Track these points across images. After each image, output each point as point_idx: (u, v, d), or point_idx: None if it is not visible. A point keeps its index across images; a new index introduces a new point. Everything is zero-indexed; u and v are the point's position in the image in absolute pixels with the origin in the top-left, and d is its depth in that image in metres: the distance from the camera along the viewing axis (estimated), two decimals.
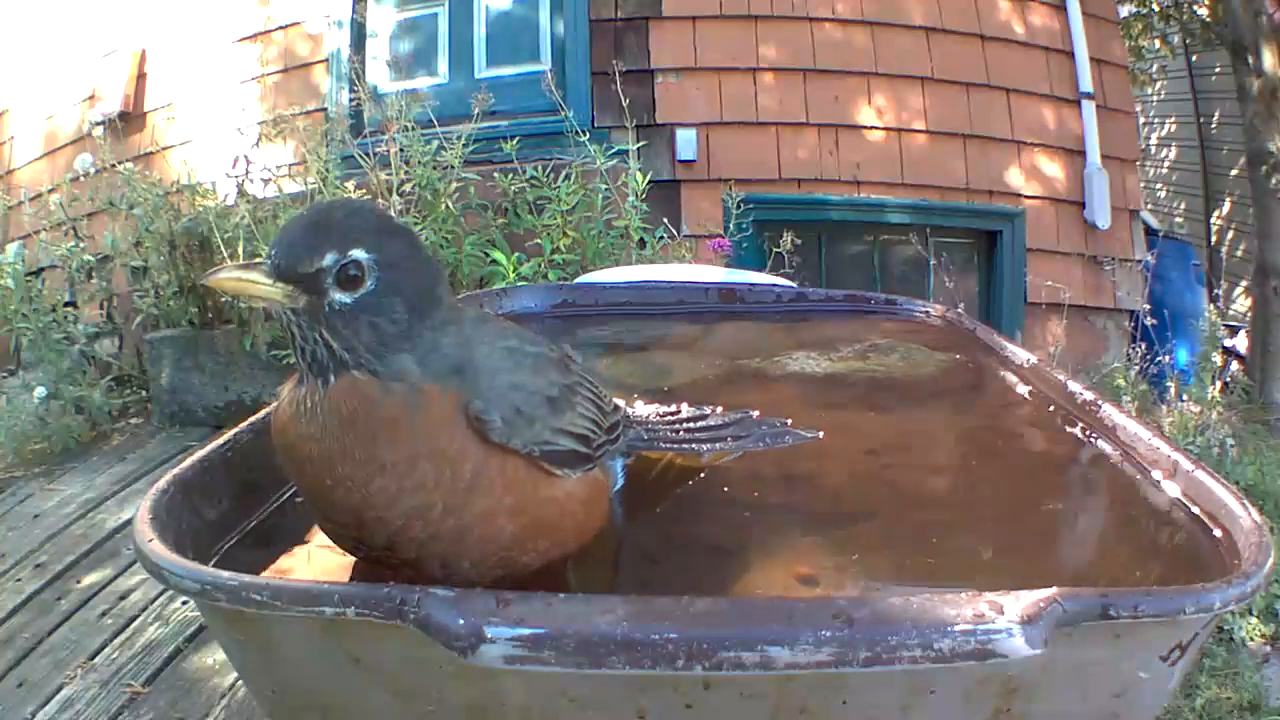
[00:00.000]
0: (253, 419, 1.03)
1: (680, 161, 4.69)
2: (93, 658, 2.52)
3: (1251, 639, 2.77)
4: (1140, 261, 4.94)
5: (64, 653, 2.54)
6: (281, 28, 5.03)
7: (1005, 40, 4.93)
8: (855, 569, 0.91)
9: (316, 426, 0.78)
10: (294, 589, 0.70)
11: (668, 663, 0.63)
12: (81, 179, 4.58)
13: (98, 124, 5.03)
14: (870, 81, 4.83)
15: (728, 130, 4.76)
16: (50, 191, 4.70)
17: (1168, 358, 4.31)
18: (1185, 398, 3.99)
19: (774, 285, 2.04)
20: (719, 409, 1.14)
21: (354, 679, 0.73)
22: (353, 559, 0.87)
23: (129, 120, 5.17)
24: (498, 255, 4.01)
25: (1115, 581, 0.88)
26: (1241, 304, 6.98)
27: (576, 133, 4.19)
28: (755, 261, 4.31)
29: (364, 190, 3.94)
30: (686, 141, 4.69)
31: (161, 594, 2.79)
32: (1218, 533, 0.87)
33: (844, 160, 4.80)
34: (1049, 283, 4.59)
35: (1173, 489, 0.98)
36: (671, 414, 1.13)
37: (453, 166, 4.06)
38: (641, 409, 1.14)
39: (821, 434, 1.13)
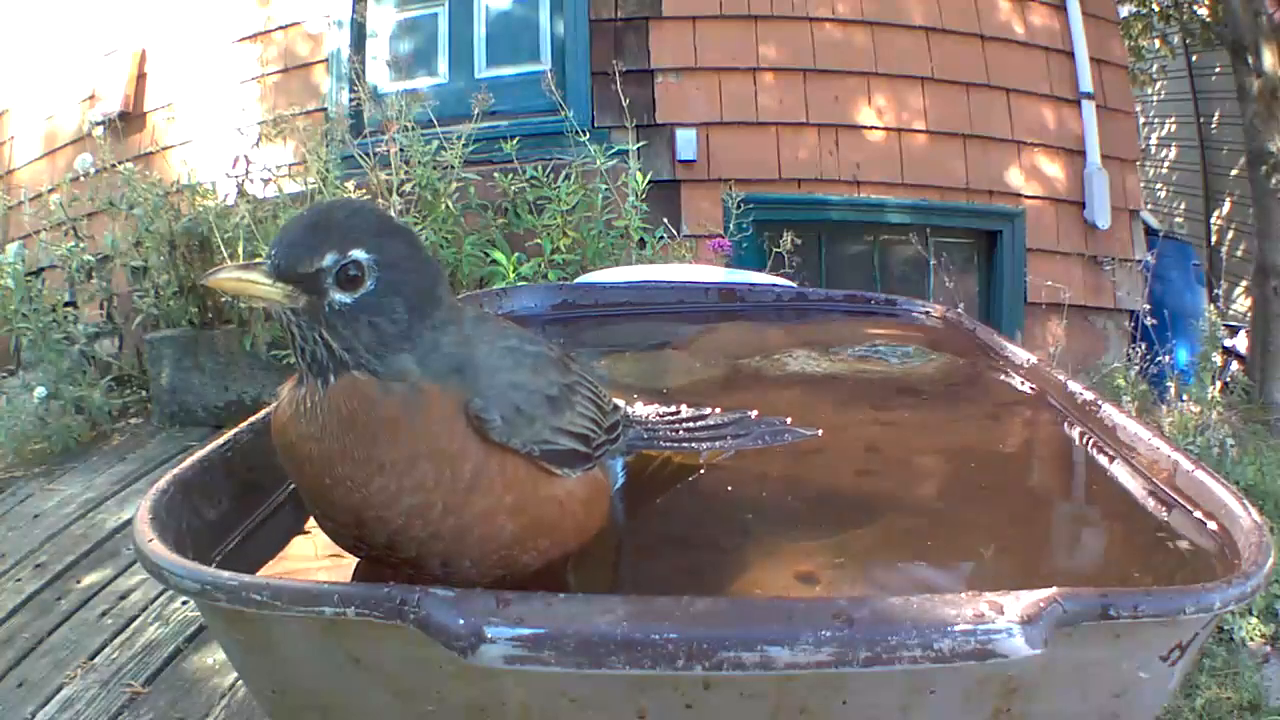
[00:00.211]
0: (253, 419, 1.03)
1: (680, 161, 4.69)
2: (93, 658, 2.52)
3: (1251, 639, 2.77)
4: (1140, 261, 4.94)
5: (64, 653, 2.54)
6: (281, 28, 5.03)
7: (1005, 40, 4.93)
8: (855, 569, 0.91)
9: (316, 426, 0.78)
10: (294, 589, 0.70)
11: (668, 663, 0.63)
12: (81, 179, 4.58)
13: (98, 124, 5.03)
14: (870, 81, 4.83)
15: (728, 130, 4.76)
16: (50, 191, 4.70)
17: (1168, 358, 4.31)
18: (1185, 398, 3.99)
19: (774, 285, 2.04)
20: (718, 409, 1.14)
21: (354, 679, 0.73)
22: (353, 559, 0.87)
23: (129, 120, 5.17)
24: (498, 255, 4.01)
25: (1115, 581, 0.88)
26: (1241, 304, 6.98)
27: (576, 133, 4.19)
28: (755, 261, 4.31)
29: (364, 190, 3.95)
30: (686, 141, 4.69)
31: (161, 594, 2.79)
32: (1218, 533, 0.87)
33: (844, 160, 4.80)
34: (1049, 283, 4.59)
35: (1173, 489, 0.98)
36: (671, 414, 1.13)
37: (453, 166, 4.06)
38: (641, 409, 1.14)
39: (820, 432, 1.13)
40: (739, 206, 4.32)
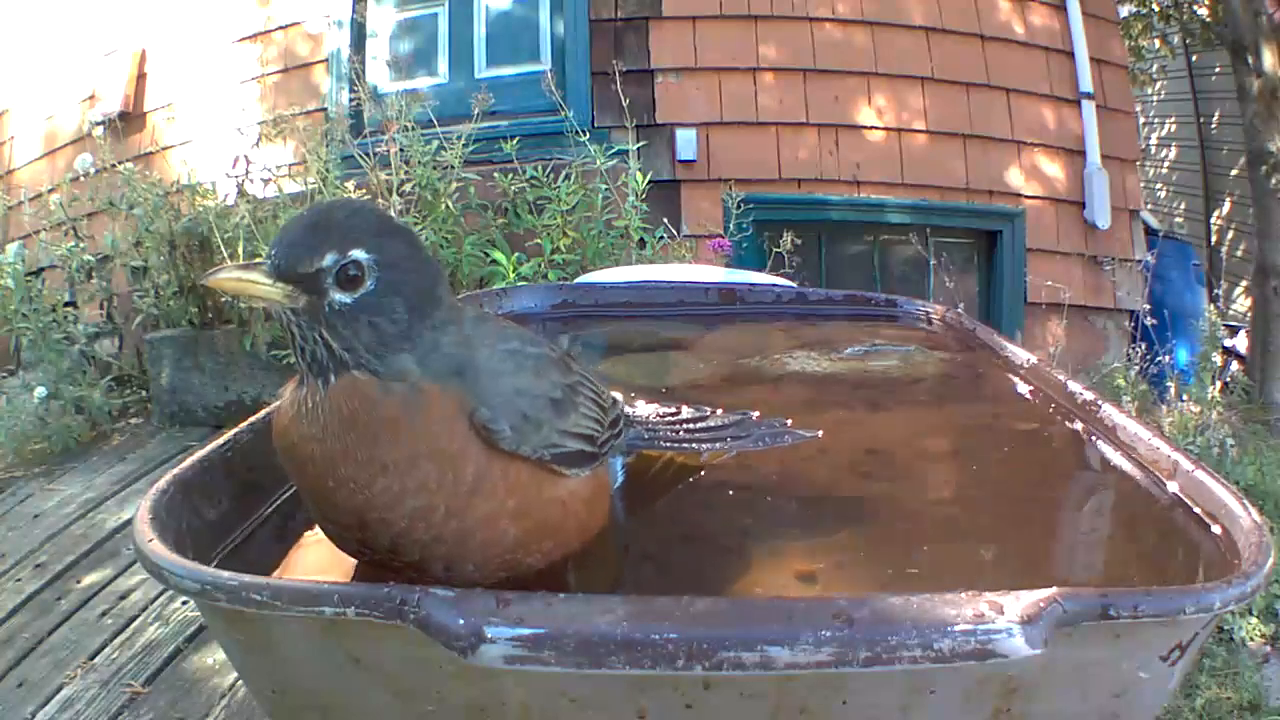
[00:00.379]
0: (253, 419, 1.03)
1: (680, 161, 4.69)
2: (93, 658, 2.52)
3: (1251, 639, 2.77)
4: (1140, 261, 4.94)
5: (64, 653, 2.54)
6: (281, 28, 5.03)
7: (1005, 40, 4.93)
8: (855, 569, 0.91)
9: (318, 427, 0.77)
10: (294, 589, 0.70)
11: (668, 663, 0.63)
12: (81, 179, 4.58)
13: (98, 124, 5.03)
14: (870, 81, 4.82)
15: (728, 130, 4.76)
16: (50, 191, 4.70)
17: (1168, 358, 4.31)
18: (1185, 398, 3.99)
19: (774, 285, 2.04)
20: (719, 410, 1.14)
21: (354, 679, 0.73)
22: (353, 559, 0.87)
23: (129, 120, 5.17)
24: (498, 255, 4.01)
25: (1115, 581, 0.88)
26: (1241, 304, 6.98)
27: (576, 133, 4.19)
28: (755, 261, 4.31)
29: (364, 190, 3.95)
30: (686, 141, 4.69)
31: (161, 594, 2.78)
32: (1218, 533, 0.87)
33: (844, 160, 4.80)
34: (1049, 283, 4.59)
35: (1173, 489, 0.98)
36: (671, 414, 1.14)
37: (453, 166, 4.06)
38: (642, 408, 1.14)
39: (821, 433, 1.13)
40: (739, 206, 4.32)
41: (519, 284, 3.69)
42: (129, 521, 3.06)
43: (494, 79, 4.82)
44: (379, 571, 0.82)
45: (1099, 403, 1.18)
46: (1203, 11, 6.41)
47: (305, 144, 4.08)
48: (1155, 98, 9.35)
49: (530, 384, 0.85)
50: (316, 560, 0.92)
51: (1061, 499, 1.11)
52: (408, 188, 3.99)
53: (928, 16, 4.85)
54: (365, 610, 0.67)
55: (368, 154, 4.03)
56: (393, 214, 3.81)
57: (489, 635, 0.64)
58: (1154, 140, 9.51)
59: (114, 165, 4.36)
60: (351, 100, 4.75)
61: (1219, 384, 4.26)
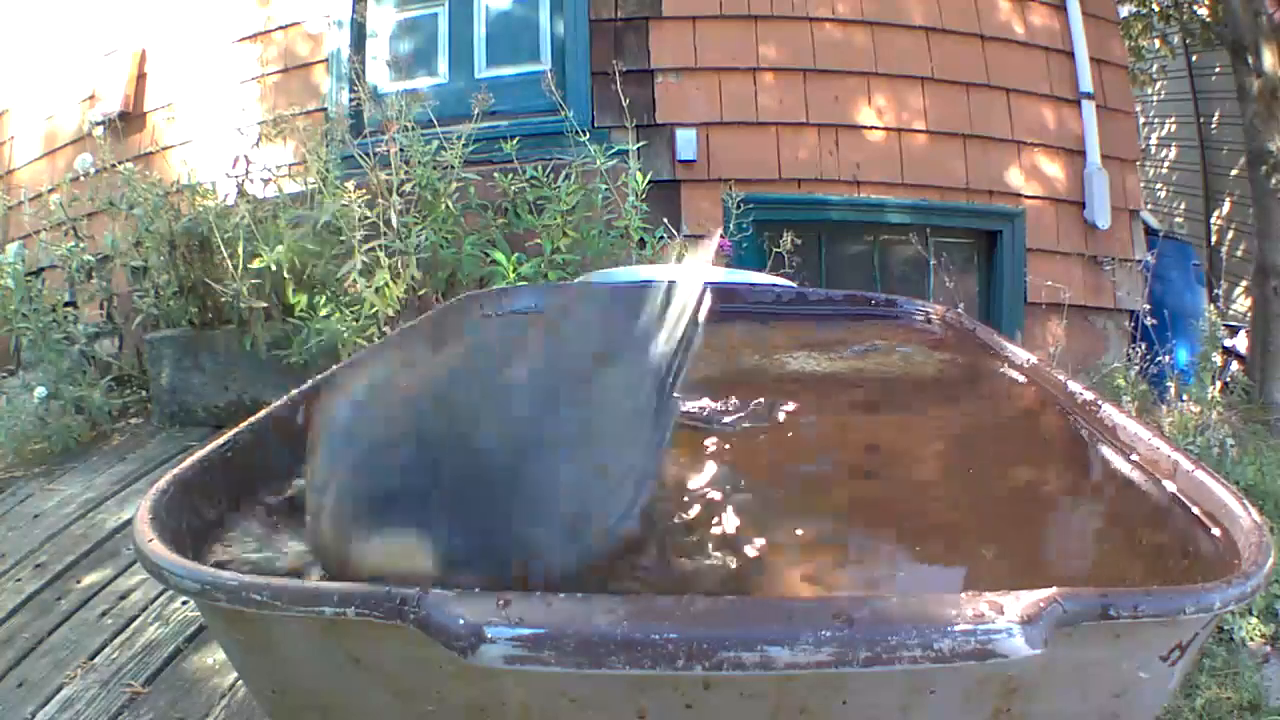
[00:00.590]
0: (253, 419, 1.04)
1: (680, 161, 4.69)
2: (93, 658, 2.51)
3: (1251, 639, 2.77)
4: (1140, 261, 4.93)
5: (64, 653, 2.54)
6: (281, 28, 5.02)
7: (1005, 40, 4.92)
8: (855, 569, 0.91)
9: None
10: (294, 589, 0.70)
11: (668, 663, 0.63)
12: (81, 179, 4.57)
13: (98, 124, 5.02)
14: (870, 81, 4.82)
15: (728, 130, 4.76)
16: (50, 191, 4.70)
17: (1168, 358, 4.30)
18: (1185, 398, 3.99)
19: (774, 285, 2.04)
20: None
21: (354, 679, 0.73)
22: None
23: (129, 120, 5.16)
24: (498, 255, 4.01)
25: (1115, 581, 0.88)
26: (1241, 304, 6.97)
27: (576, 133, 4.19)
28: (755, 261, 4.31)
29: (364, 190, 3.94)
30: (686, 141, 4.68)
31: (161, 594, 2.78)
32: (1218, 533, 0.87)
33: (844, 160, 4.80)
34: (1049, 283, 4.58)
35: (1173, 489, 0.98)
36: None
37: (453, 166, 4.05)
38: None
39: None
40: (739, 206, 4.32)
41: (519, 284, 3.69)
42: (129, 521, 3.06)
43: (494, 79, 4.82)
44: None
45: (1099, 403, 1.18)
46: (1203, 11, 6.41)
47: (305, 144, 4.08)
48: (1155, 98, 9.34)
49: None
50: (317, 560, 0.92)
51: (1061, 499, 1.11)
52: (408, 188, 3.99)
53: (928, 16, 4.85)
54: (365, 610, 0.67)
55: (368, 154, 4.03)
56: (393, 215, 3.82)
57: (489, 635, 0.64)
58: (1154, 140, 9.51)
59: (114, 165, 4.35)
60: (351, 100, 4.75)
61: (1219, 384, 4.26)
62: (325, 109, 4.78)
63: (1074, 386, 1.25)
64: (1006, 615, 0.64)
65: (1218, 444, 3.56)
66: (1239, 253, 7.51)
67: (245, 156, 4.14)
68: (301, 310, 3.93)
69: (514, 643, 0.64)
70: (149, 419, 4.42)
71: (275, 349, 4.04)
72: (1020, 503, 1.08)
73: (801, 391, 1.44)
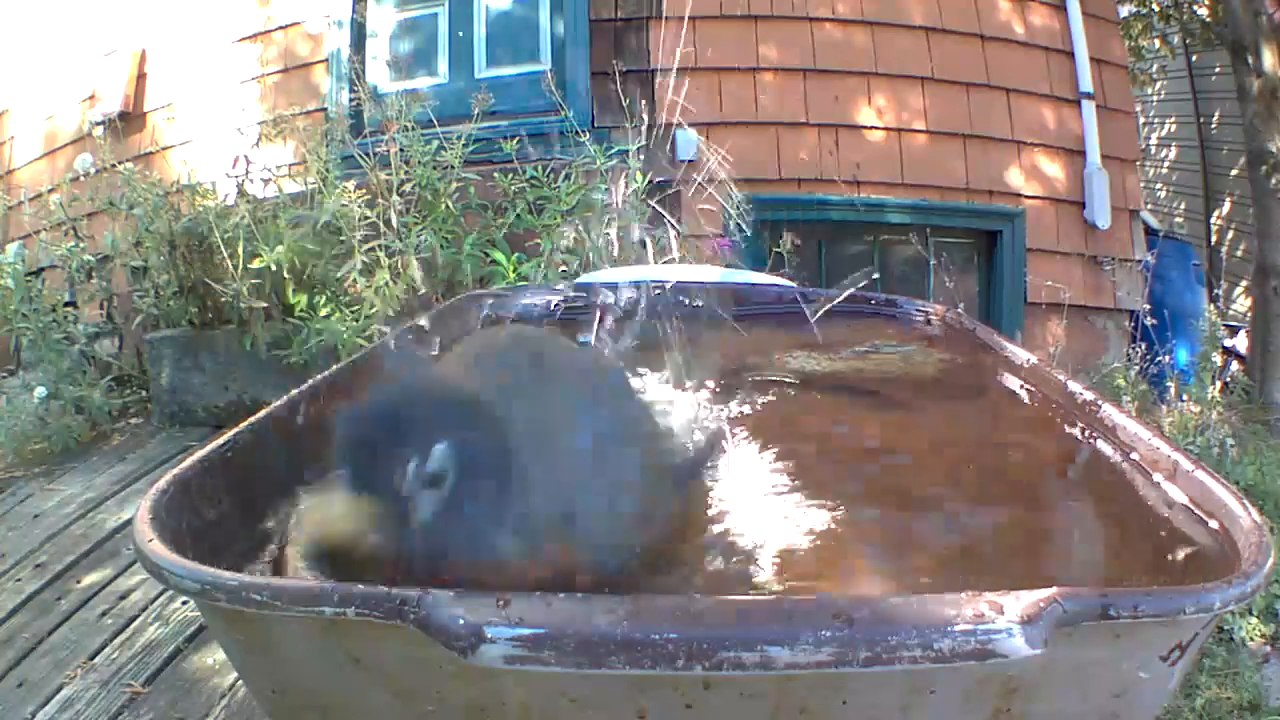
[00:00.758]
0: (253, 419, 1.04)
1: (680, 161, 4.69)
2: (93, 658, 2.51)
3: (1251, 639, 2.77)
4: (1140, 261, 4.93)
5: (64, 653, 2.54)
6: (281, 28, 5.02)
7: (1005, 40, 4.92)
8: (855, 569, 0.91)
9: None
10: (294, 589, 0.70)
11: (668, 663, 0.63)
12: (81, 179, 4.57)
13: (98, 124, 5.02)
14: (870, 81, 4.82)
15: (728, 130, 4.76)
16: (50, 191, 4.69)
17: (1168, 358, 4.30)
18: (1185, 398, 3.99)
19: (774, 285, 2.04)
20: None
21: (354, 679, 0.73)
22: (353, 559, 0.87)
23: (129, 120, 5.16)
24: (498, 255, 4.01)
25: (1115, 581, 0.88)
26: (1241, 304, 6.97)
27: (576, 133, 4.19)
28: (755, 262, 4.31)
29: (364, 190, 3.94)
30: (686, 141, 4.68)
31: (161, 594, 2.78)
32: (1218, 533, 0.87)
33: (844, 160, 4.80)
34: (1049, 283, 4.58)
35: (1173, 489, 0.98)
36: None
37: (453, 166, 4.05)
38: None
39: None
40: (739, 206, 4.32)
41: (519, 284, 3.69)
42: (129, 521, 3.06)
43: (494, 79, 4.82)
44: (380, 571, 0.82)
45: (1099, 403, 1.18)
46: (1203, 11, 6.41)
47: (305, 144, 4.08)
48: (1155, 98, 9.34)
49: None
50: (317, 560, 0.92)
51: (1061, 499, 1.11)
52: (408, 188, 3.99)
53: (928, 16, 4.85)
54: (365, 610, 0.67)
55: (368, 154, 4.03)
56: (393, 215, 3.82)
57: (489, 635, 0.64)
58: (1154, 140, 9.50)
59: (114, 165, 4.35)
60: (351, 100, 4.75)
61: (1219, 384, 4.26)
62: (325, 109, 4.78)
63: (1074, 386, 1.25)
64: (1006, 615, 0.64)
65: (1218, 444, 3.56)
66: (1239, 253, 7.51)
67: (245, 156, 4.14)
68: (301, 310, 3.93)
69: (514, 643, 0.64)
70: (149, 419, 4.41)
71: (275, 349, 4.03)
72: (1020, 502, 1.08)
73: (802, 391, 1.44)
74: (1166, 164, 9.31)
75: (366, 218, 3.77)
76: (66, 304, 4.38)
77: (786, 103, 4.78)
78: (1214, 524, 0.89)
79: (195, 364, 4.29)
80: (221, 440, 0.98)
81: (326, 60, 4.93)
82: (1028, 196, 4.92)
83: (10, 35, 5.69)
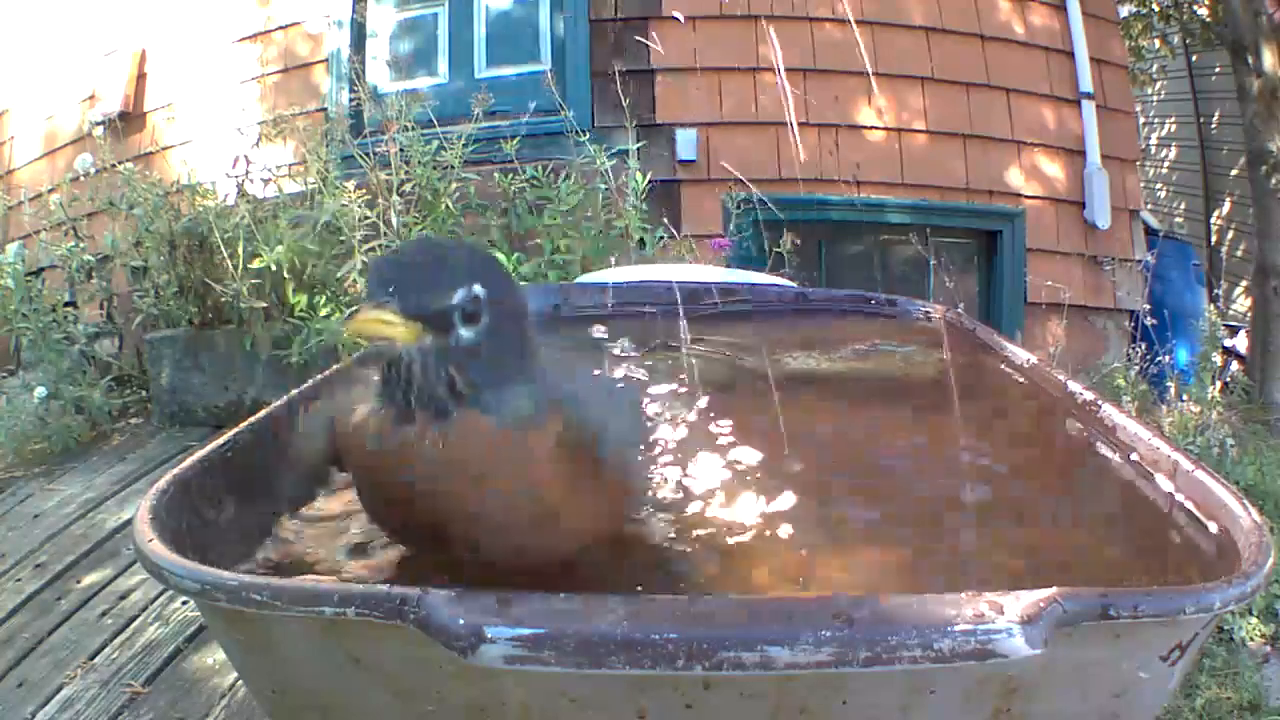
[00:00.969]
0: (253, 419, 1.03)
1: (680, 161, 4.69)
2: (93, 658, 2.52)
3: (1251, 639, 2.77)
4: (1140, 261, 4.94)
5: (64, 653, 2.54)
6: (281, 28, 5.03)
7: (1005, 40, 4.93)
8: (855, 569, 0.91)
9: (428, 463, 0.78)
10: (294, 589, 0.70)
11: (668, 663, 0.63)
12: (81, 179, 4.58)
13: (98, 124, 5.02)
14: (870, 81, 4.82)
15: (728, 130, 4.76)
16: (50, 191, 4.70)
17: (1168, 358, 4.30)
18: (1185, 398, 3.99)
19: (774, 285, 2.04)
20: None
21: (354, 679, 0.73)
22: (353, 560, 0.87)
23: (129, 120, 5.16)
24: (498, 255, 4.01)
25: (1115, 581, 0.88)
26: (1241, 304, 6.97)
27: (576, 133, 4.19)
28: (755, 261, 4.30)
29: (364, 190, 3.94)
30: (686, 141, 4.68)
31: (161, 594, 2.78)
32: (1218, 533, 0.87)
33: (844, 160, 4.80)
34: (1049, 283, 4.58)
35: (1173, 489, 0.98)
36: None
37: (453, 166, 4.05)
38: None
39: None
40: (739, 206, 4.32)
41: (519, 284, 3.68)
42: (129, 521, 3.05)
43: (494, 79, 4.82)
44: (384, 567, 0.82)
45: (1099, 403, 1.18)
46: (1203, 11, 6.41)
47: (305, 144, 4.08)
48: (1155, 98, 9.34)
49: (626, 420, 0.95)
50: (317, 560, 0.92)
51: (1061, 499, 1.11)
52: (408, 188, 3.99)
53: (928, 16, 4.85)
54: (365, 610, 0.67)
55: (368, 154, 4.03)
56: (393, 215, 3.82)
57: (489, 635, 0.64)
58: (1154, 140, 9.51)
59: (114, 165, 4.36)
60: (351, 100, 4.75)
61: (1219, 384, 4.26)
62: (325, 109, 4.78)
63: (1074, 386, 1.25)
64: (1006, 615, 0.64)
65: (1218, 444, 3.56)
66: (1239, 253, 7.51)
67: (245, 156, 4.14)
68: (301, 310, 3.93)
69: (514, 643, 0.64)
70: (149, 419, 4.42)
71: (275, 349, 4.04)
72: (1020, 502, 1.08)
73: (802, 391, 1.44)
74: (1166, 164, 9.32)
75: (366, 218, 3.76)
76: (66, 304, 4.38)
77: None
78: (1214, 524, 0.89)
79: (195, 364, 4.29)
80: (221, 440, 0.98)
81: (326, 60, 4.93)
82: (1028, 196, 4.92)
83: (10, 35, 5.69)
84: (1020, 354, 1.46)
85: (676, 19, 4.73)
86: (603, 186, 4.09)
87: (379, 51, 5.07)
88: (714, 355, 1.63)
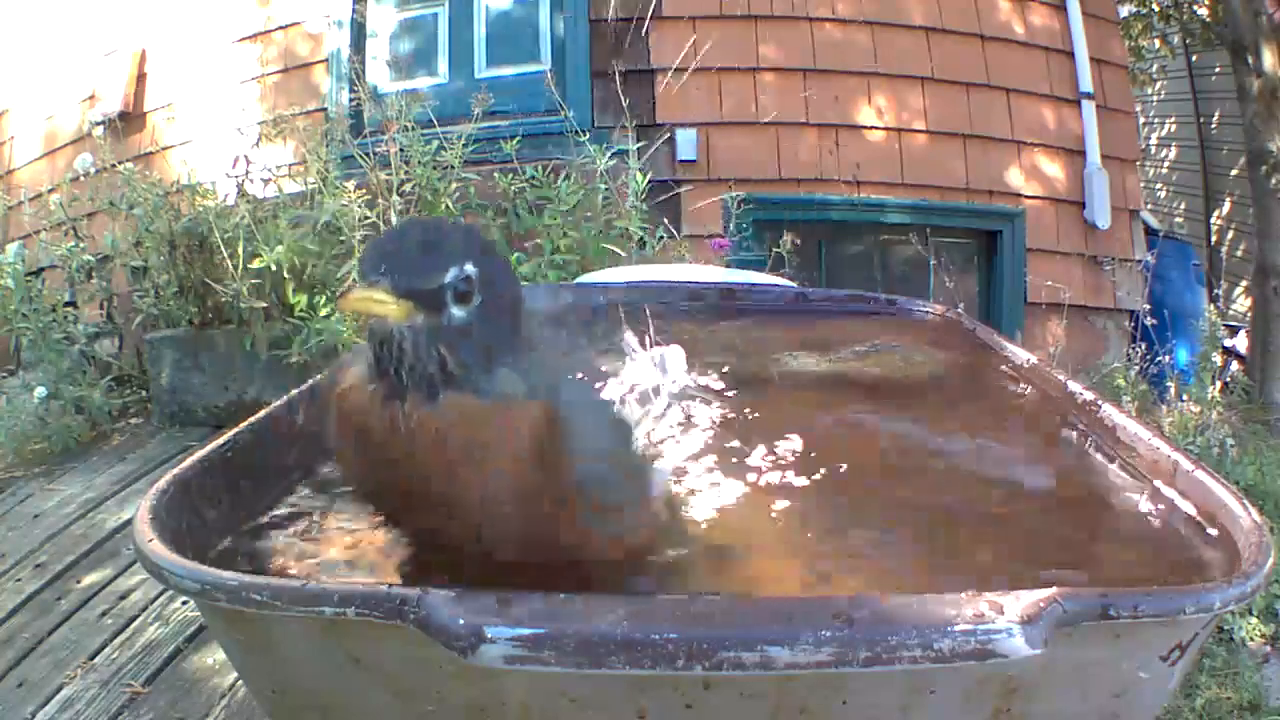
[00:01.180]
0: (253, 419, 1.03)
1: (680, 161, 4.69)
2: (93, 658, 2.52)
3: (1251, 639, 2.77)
4: (1140, 261, 4.94)
5: (64, 653, 2.54)
6: (281, 28, 5.02)
7: (1005, 40, 4.92)
8: (855, 569, 0.91)
9: (416, 445, 0.78)
10: (294, 589, 0.70)
11: (668, 663, 0.63)
12: (81, 179, 4.57)
13: (98, 124, 5.02)
14: (870, 81, 4.82)
15: (728, 130, 4.76)
16: (50, 191, 4.70)
17: (1168, 358, 4.30)
18: (1185, 398, 3.99)
19: (774, 285, 2.04)
20: None
21: (354, 679, 0.73)
22: (353, 560, 0.87)
23: (129, 120, 5.16)
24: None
25: (1115, 581, 0.88)
26: (1241, 304, 6.97)
27: (576, 133, 4.19)
28: (755, 262, 4.31)
29: (364, 190, 3.94)
30: (686, 141, 4.68)
31: (161, 594, 2.78)
32: (1217, 533, 0.87)
33: (844, 160, 4.80)
34: (1049, 283, 4.58)
35: (1173, 489, 0.98)
36: None
37: (453, 166, 4.05)
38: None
39: None
40: (739, 206, 4.32)
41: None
42: (129, 521, 3.05)
43: (494, 79, 4.82)
44: (387, 563, 0.82)
45: (1099, 403, 1.18)
46: (1203, 11, 6.41)
47: (305, 144, 4.08)
48: (1155, 98, 9.34)
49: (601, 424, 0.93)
50: (317, 560, 0.92)
51: (1061, 499, 1.11)
52: (408, 188, 3.99)
53: (928, 16, 4.85)
54: (365, 610, 0.67)
55: (368, 154, 4.03)
56: (393, 215, 3.82)
57: (489, 635, 0.64)
58: (1154, 140, 9.51)
59: (114, 165, 4.35)
60: (351, 100, 4.75)
61: (1219, 384, 4.26)
62: (325, 109, 4.78)
63: (1074, 386, 1.25)
64: (1006, 615, 0.64)
65: (1218, 444, 3.56)
66: (1239, 253, 7.51)
67: (245, 156, 4.14)
68: (301, 310, 3.92)
69: (514, 643, 0.64)
70: (149, 419, 4.42)
71: (275, 349, 4.03)
72: (1020, 502, 1.08)
73: (802, 391, 1.44)
74: (1166, 164, 9.32)
75: (366, 218, 3.76)
76: (66, 304, 4.38)
77: (786, 103, 4.78)
78: (1214, 524, 0.89)
79: (195, 364, 4.29)
80: (221, 440, 0.98)
81: (326, 60, 4.93)
82: (1028, 196, 4.92)
83: (10, 35, 5.69)
84: (1020, 354, 1.46)
85: (676, 19, 4.73)
86: (603, 186, 4.09)
87: (379, 51, 5.07)
88: (713, 355, 1.63)
